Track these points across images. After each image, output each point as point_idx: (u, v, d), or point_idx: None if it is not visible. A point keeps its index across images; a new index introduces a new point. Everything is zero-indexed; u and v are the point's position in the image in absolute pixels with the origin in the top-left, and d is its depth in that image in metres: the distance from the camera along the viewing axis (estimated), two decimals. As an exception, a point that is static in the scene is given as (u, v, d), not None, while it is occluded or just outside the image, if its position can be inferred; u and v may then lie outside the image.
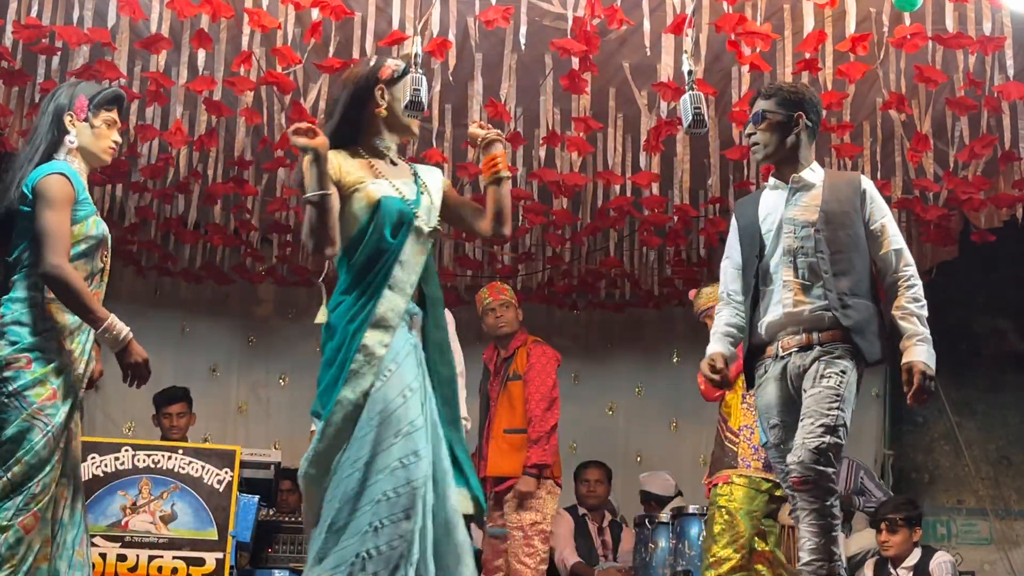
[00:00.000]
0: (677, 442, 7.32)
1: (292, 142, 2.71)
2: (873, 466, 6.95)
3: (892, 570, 5.08)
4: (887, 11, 4.17)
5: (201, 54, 4.25)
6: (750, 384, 3.45)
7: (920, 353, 3.15)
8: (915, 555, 5.05)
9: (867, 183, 3.34)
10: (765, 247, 3.33)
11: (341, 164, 2.84)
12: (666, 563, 5.07)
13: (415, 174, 2.99)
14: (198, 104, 4.72)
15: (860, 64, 4.18)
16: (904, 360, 3.16)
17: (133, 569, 4.25)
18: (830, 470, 3.07)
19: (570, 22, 4.12)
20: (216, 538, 4.25)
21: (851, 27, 4.09)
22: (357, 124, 2.92)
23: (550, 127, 4.81)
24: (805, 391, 3.18)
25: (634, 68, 4.73)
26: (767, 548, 4.52)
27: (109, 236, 3.15)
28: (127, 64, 4.40)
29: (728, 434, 4.49)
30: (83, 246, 2.99)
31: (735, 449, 4.43)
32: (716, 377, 3.37)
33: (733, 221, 3.52)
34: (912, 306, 3.21)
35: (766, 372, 3.32)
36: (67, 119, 3.07)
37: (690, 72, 3.81)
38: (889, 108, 4.50)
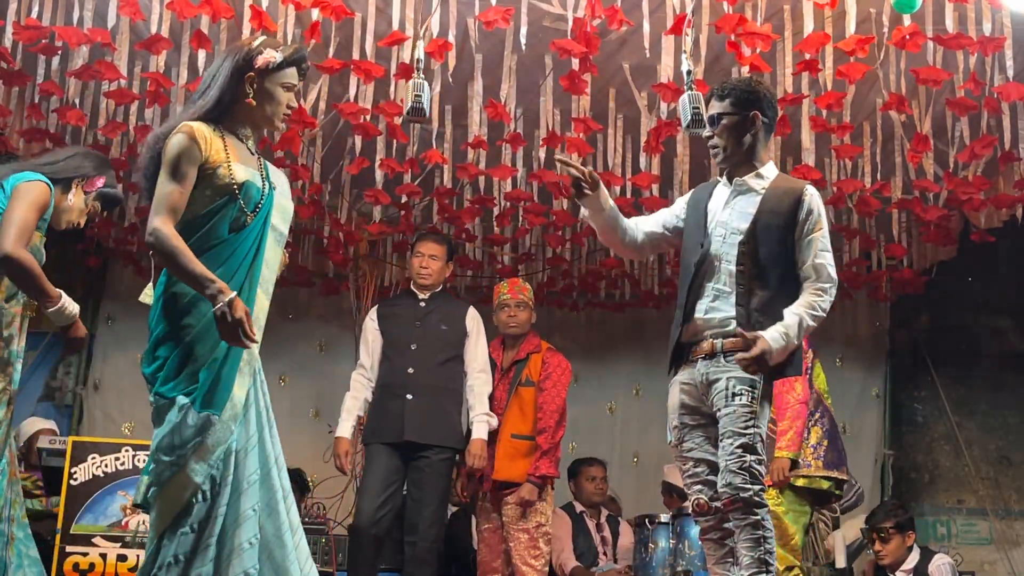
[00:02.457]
0: (677, 442, 7.32)
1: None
2: (873, 466, 6.96)
3: (891, 574, 5.08)
4: (887, 12, 4.17)
5: (201, 54, 4.25)
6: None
7: (773, 335, 3.10)
8: (913, 558, 5.05)
9: (810, 194, 3.26)
10: (710, 241, 3.31)
11: (210, 141, 2.74)
12: (666, 563, 5.07)
13: (265, 170, 2.90)
14: (198, 104, 4.71)
15: (860, 65, 4.17)
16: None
17: (133, 569, 4.25)
18: (756, 487, 3.12)
19: (570, 23, 4.12)
20: (216, 538, 4.25)
21: (851, 27, 4.09)
22: (226, 105, 2.81)
23: (550, 128, 4.80)
24: (717, 408, 3.20)
25: (634, 69, 4.73)
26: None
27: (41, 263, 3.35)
28: (127, 64, 4.40)
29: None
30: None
31: None
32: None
33: (688, 195, 3.51)
34: (801, 308, 3.15)
35: (676, 374, 3.35)
36: (76, 182, 3.43)
37: (689, 72, 3.81)
38: (889, 109, 4.50)
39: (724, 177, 3.41)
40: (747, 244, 3.24)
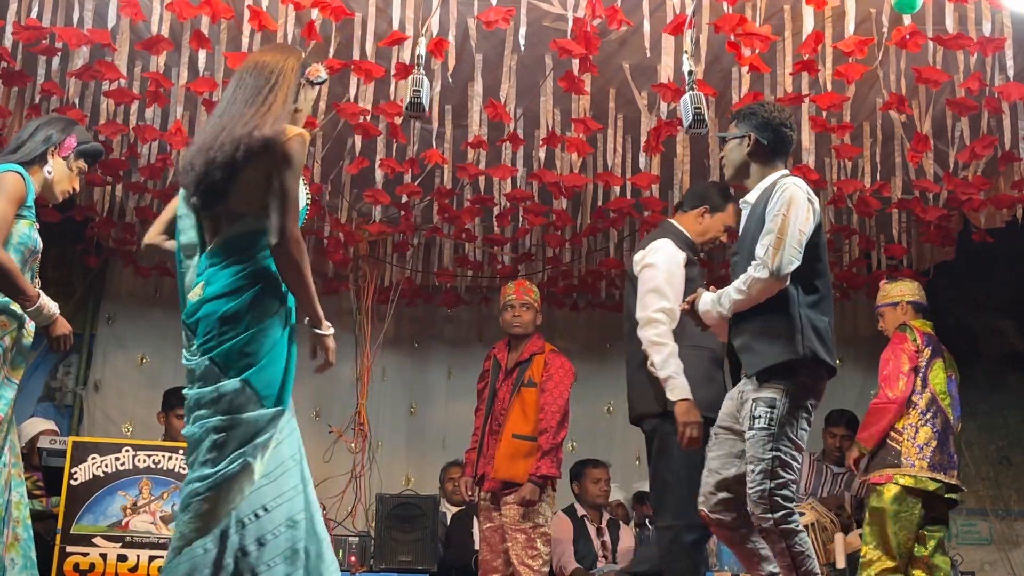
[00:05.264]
0: (677, 442, 7.33)
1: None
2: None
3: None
4: (887, 12, 4.17)
5: (201, 55, 4.25)
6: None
7: (705, 295, 3.32)
8: None
9: (782, 185, 3.25)
10: None
11: None
12: (666, 563, 5.07)
13: None
14: (198, 105, 4.72)
15: (859, 65, 4.18)
16: None
17: (134, 569, 4.25)
18: (780, 513, 3.11)
19: (570, 23, 4.12)
20: (216, 538, 4.25)
21: (851, 28, 4.09)
22: (289, 113, 2.76)
23: (550, 128, 4.80)
24: (744, 428, 3.24)
25: (634, 69, 4.73)
26: (926, 553, 4.51)
27: (40, 254, 3.33)
28: (127, 65, 4.40)
29: (892, 432, 4.50)
30: (14, 239, 3.17)
31: (898, 448, 4.46)
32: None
33: None
34: (730, 287, 3.26)
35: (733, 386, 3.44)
36: (50, 150, 3.30)
37: (690, 72, 3.81)
38: (889, 109, 4.50)
39: (744, 199, 3.50)
40: (735, 257, 3.36)
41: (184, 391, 2.75)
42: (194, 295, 2.69)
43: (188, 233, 2.76)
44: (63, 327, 3.28)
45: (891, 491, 4.42)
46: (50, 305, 3.21)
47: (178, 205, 2.85)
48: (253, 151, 2.62)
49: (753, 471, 3.14)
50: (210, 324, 2.66)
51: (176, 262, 2.80)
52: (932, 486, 4.40)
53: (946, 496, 4.51)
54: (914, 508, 4.43)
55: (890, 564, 4.42)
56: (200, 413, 2.64)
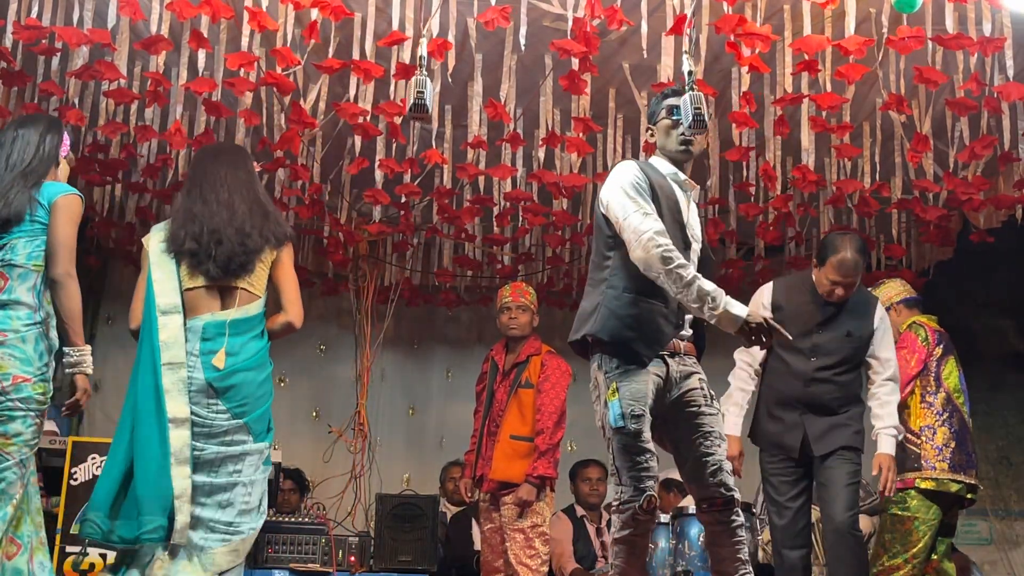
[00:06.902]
0: (676, 442, 7.33)
1: None
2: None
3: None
4: (887, 12, 4.17)
5: (201, 55, 4.25)
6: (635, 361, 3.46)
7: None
8: None
9: None
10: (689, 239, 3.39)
11: None
12: (666, 563, 5.07)
13: None
14: (198, 105, 4.72)
15: (859, 66, 4.17)
16: None
17: (133, 570, 4.25)
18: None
19: (570, 23, 4.12)
20: (216, 539, 4.25)
21: (850, 28, 4.09)
22: None
23: (550, 128, 4.81)
24: (696, 404, 3.32)
25: (634, 69, 4.73)
26: (936, 558, 4.47)
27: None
28: (127, 65, 4.40)
29: (908, 435, 4.44)
30: None
31: (917, 451, 4.40)
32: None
33: (641, 176, 3.35)
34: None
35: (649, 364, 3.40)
36: (60, 152, 3.42)
37: (690, 72, 3.81)
38: (889, 109, 4.51)
39: (680, 176, 3.43)
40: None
41: (199, 445, 3.14)
42: (219, 361, 3.16)
43: (169, 295, 3.24)
44: (84, 389, 3.28)
45: (916, 498, 4.37)
46: (88, 361, 3.26)
47: (152, 265, 3.31)
48: (283, 247, 3.31)
49: (722, 447, 3.32)
50: (245, 392, 3.19)
51: (147, 318, 3.26)
52: (954, 487, 4.35)
53: (967, 496, 4.46)
54: (933, 512, 4.39)
55: (912, 572, 4.36)
56: (227, 469, 3.18)
